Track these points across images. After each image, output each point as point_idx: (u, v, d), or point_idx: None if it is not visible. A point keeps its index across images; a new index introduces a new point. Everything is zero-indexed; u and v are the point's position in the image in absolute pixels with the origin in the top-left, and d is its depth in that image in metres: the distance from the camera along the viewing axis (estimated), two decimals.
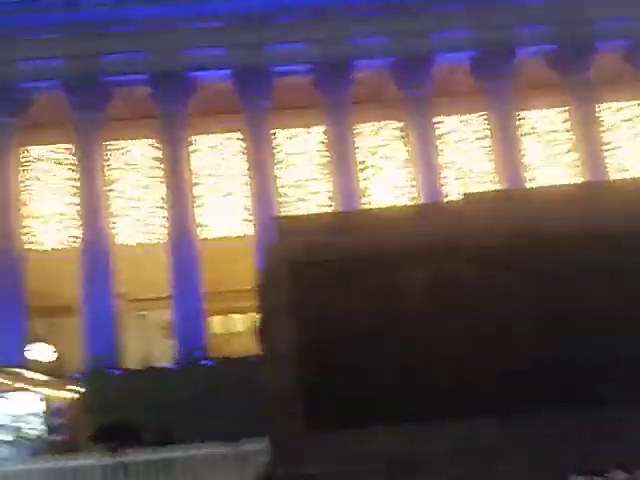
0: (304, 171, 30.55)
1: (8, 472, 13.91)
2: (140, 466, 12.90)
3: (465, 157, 30.80)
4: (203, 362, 25.13)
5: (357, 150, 29.18)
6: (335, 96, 28.07)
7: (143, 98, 27.65)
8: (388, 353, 5.67)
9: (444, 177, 29.50)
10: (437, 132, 29.92)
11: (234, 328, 30.44)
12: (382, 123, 31.00)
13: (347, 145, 28.44)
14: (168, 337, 27.53)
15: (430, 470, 5.33)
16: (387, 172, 30.72)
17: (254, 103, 27.94)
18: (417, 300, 5.86)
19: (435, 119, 29.56)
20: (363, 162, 29.98)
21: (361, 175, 29.41)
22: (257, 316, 6.54)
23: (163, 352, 27.88)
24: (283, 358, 5.72)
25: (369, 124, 30.73)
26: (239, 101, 28.00)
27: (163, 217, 28.19)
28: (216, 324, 29.80)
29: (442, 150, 29.92)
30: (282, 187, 29.51)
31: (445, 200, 26.33)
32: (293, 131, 30.68)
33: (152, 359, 28.96)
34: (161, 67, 27.16)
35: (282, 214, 27.24)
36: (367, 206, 28.52)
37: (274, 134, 29.54)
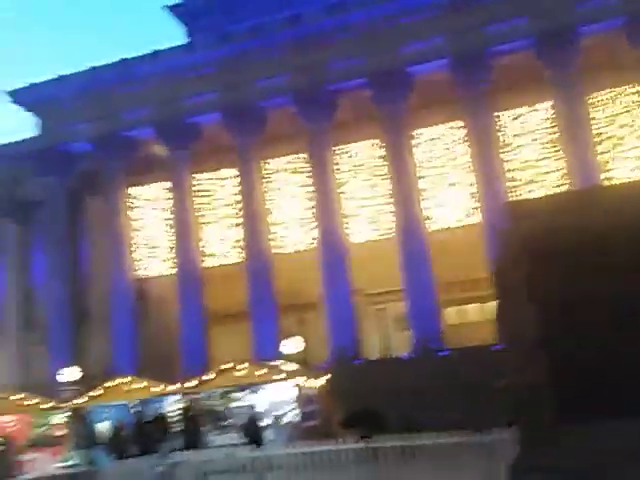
0: (532, 151, 28.96)
1: (271, 455, 15.31)
2: (389, 452, 13.40)
3: None
4: (439, 352, 25.25)
5: (592, 121, 26.82)
6: (562, 67, 26.16)
7: (364, 100, 28.67)
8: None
9: None
10: None
11: (467, 318, 30.03)
12: (619, 89, 28.05)
13: (580, 117, 26.30)
14: (404, 329, 28.17)
15: None
16: (628, 142, 27.69)
17: (474, 88, 27.27)
18: None
19: None
20: (599, 134, 27.44)
21: (598, 148, 26.96)
22: (495, 304, 6.44)
23: (400, 343, 28.63)
24: (527, 347, 5.54)
25: (604, 92, 28.03)
26: (458, 88, 27.56)
27: (391, 213, 28.88)
28: (449, 314, 29.69)
29: None
30: (510, 170, 28.35)
31: None
32: (517, 111, 29.27)
33: (390, 350, 29.92)
34: (380, 67, 27.88)
35: (513, 198, 26.15)
36: (607, 181, 26.03)
37: (497, 116, 28.51)
